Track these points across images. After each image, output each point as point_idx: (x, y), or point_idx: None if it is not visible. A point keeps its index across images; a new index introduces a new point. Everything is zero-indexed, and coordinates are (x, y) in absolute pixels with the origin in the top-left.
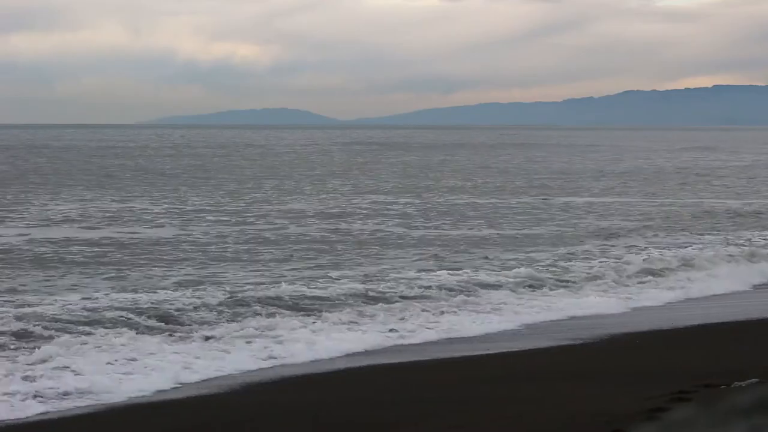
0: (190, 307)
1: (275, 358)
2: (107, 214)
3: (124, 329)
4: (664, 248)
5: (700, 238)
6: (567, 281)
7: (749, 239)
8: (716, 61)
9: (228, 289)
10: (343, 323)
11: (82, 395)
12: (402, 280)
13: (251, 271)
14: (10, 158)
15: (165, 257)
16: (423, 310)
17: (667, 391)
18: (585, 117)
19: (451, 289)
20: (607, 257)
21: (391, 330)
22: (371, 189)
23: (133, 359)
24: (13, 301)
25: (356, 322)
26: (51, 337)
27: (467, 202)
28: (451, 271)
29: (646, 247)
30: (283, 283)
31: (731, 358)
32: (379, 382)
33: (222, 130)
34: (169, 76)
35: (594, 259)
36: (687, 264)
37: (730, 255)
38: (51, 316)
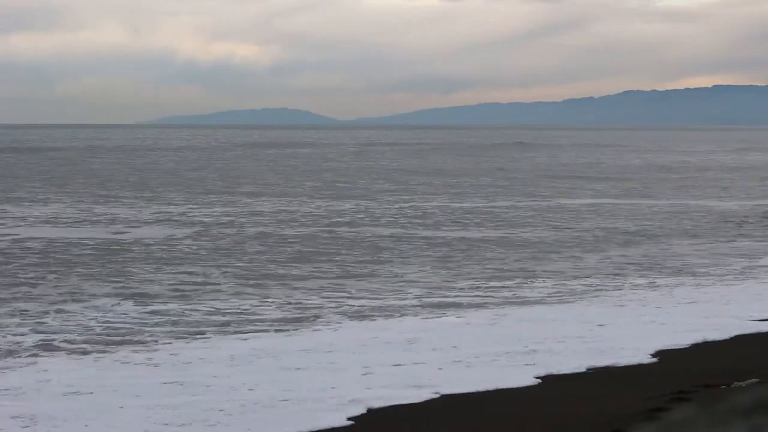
0: None
1: None
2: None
3: None
4: None
5: None
6: None
7: None
8: (716, 61)
9: None
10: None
11: None
12: None
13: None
14: None
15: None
16: None
17: (667, 391)
18: (585, 117)
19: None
20: None
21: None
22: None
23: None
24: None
25: None
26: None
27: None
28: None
29: None
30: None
31: (731, 358)
32: None
33: (278, 130)
34: (169, 76)
35: None
36: None
37: None
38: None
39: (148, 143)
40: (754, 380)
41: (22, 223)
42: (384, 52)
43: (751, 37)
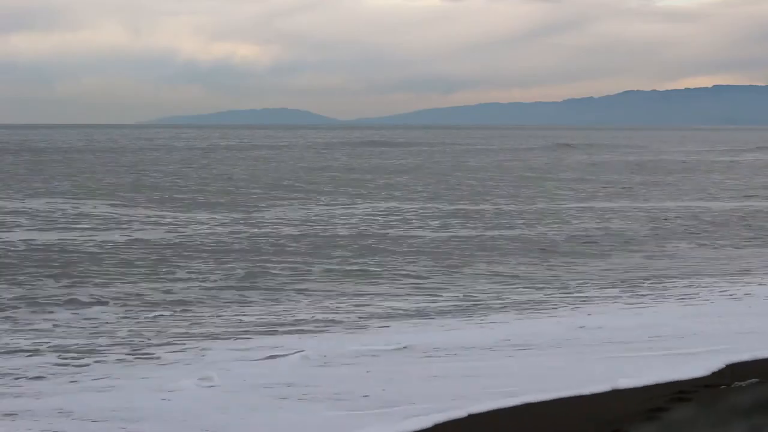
0: None
1: None
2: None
3: None
4: None
5: None
6: None
7: None
8: (716, 61)
9: None
10: None
11: None
12: None
13: None
14: None
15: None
16: None
17: (667, 391)
18: (585, 117)
19: None
20: None
21: None
22: None
23: None
24: None
25: None
26: None
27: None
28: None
29: None
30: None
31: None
32: None
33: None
34: (169, 76)
35: None
36: None
37: None
38: None
39: (238, 143)
40: (754, 380)
41: (22, 224)
42: (384, 52)
43: (751, 37)
